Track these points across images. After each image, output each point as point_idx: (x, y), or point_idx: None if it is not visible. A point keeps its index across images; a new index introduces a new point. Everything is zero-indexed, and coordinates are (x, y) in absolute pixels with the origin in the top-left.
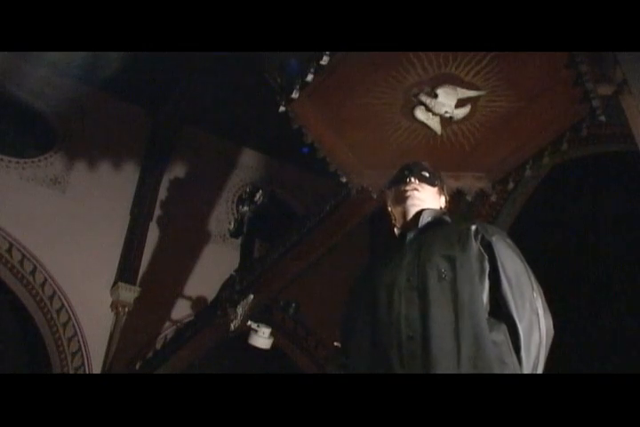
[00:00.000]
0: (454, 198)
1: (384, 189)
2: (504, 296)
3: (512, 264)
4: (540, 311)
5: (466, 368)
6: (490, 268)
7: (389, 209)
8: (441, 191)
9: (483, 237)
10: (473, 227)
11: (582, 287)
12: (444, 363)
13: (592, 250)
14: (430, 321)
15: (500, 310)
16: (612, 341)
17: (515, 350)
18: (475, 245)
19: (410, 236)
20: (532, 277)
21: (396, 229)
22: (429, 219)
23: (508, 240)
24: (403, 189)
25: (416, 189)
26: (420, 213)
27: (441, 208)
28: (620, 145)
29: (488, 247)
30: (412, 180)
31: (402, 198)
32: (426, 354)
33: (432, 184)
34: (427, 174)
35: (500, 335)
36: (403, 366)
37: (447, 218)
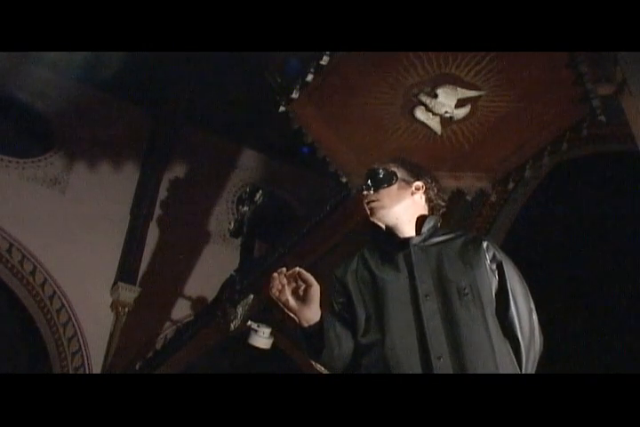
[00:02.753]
0: (454, 198)
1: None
2: (511, 319)
3: (520, 288)
4: (536, 333)
5: None
6: (497, 288)
7: None
8: (407, 184)
9: (494, 256)
10: (484, 244)
11: (582, 287)
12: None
13: (592, 250)
14: (463, 342)
15: (503, 330)
16: (612, 340)
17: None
18: (486, 264)
19: (414, 242)
20: (530, 298)
21: (393, 231)
22: (432, 227)
23: (510, 260)
24: (365, 203)
25: (373, 201)
26: (417, 219)
27: (429, 204)
28: (620, 145)
29: (498, 267)
30: (366, 192)
31: (369, 213)
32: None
33: (389, 183)
34: (380, 176)
35: (511, 354)
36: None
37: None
